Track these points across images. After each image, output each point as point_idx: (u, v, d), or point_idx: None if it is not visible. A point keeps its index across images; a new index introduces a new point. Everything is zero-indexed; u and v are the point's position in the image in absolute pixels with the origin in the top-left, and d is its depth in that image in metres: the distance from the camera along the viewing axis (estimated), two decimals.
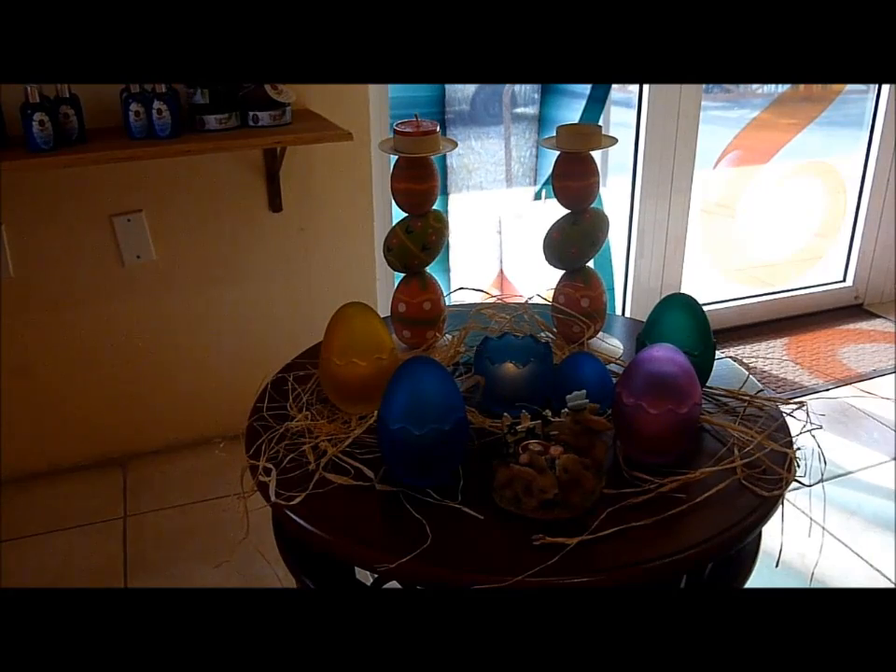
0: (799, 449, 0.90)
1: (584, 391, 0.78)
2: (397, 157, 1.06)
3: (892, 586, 1.38)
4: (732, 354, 2.49)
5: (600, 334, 1.20)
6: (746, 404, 1.00)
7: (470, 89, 2.36)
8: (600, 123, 2.34)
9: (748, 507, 0.81)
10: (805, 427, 0.93)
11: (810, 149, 3.05)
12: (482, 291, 1.30)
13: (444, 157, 2.26)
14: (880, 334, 2.65)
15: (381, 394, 0.83)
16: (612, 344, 1.20)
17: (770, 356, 2.52)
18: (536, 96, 2.33)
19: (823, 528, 1.47)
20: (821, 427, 0.92)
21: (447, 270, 2.40)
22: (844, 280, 2.86)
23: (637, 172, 2.38)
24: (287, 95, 1.71)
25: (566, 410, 0.79)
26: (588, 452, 0.78)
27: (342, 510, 0.80)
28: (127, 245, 1.87)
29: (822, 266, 2.94)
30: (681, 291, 1.38)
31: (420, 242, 1.06)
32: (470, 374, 0.98)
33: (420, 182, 1.05)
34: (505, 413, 0.83)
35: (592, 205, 1.09)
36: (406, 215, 1.08)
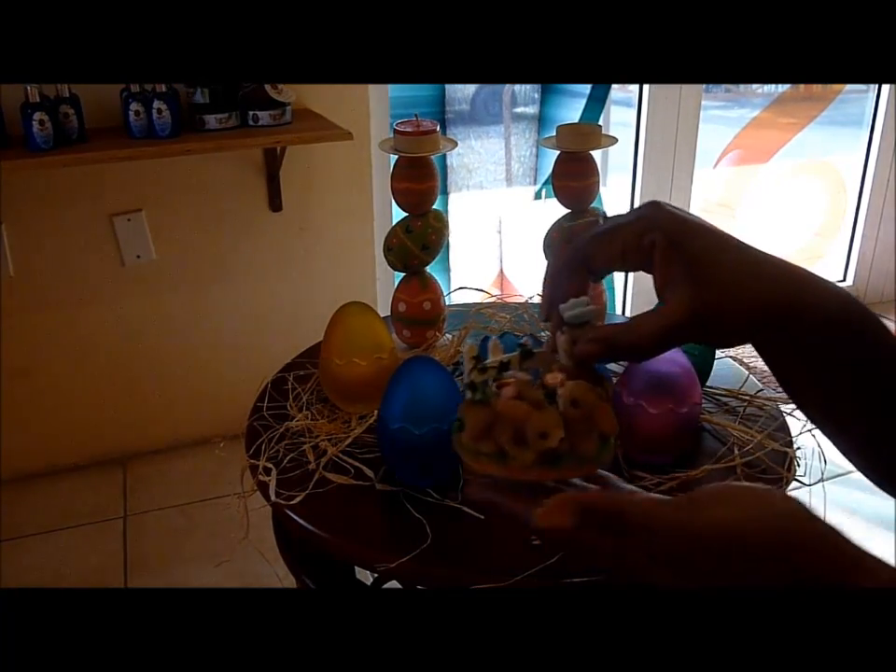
0: (799, 448, 0.90)
1: (586, 298, 0.51)
2: (397, 157, 1.06)
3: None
4: (732, 353, 2.49)
5: None
6: (746, 404, 0.99)
7: (470, 89, 2.37)
8: (600, 123, 2.34)
9: None
10: (805, 426, 0.93)
11: (810, 149, 3.05)
12: (482, 291, 1.30)
13: (444, 156, 2.26)
14: None
15: (381, 394, 0.83)
16: None
17: None
18: (536, 96, 2.33)
19: None
20: None
21: (447, 270, 2.40)
22: (844, 280, 2.86)
23: (637, 172, 2.38)
24: (287, 95, 1.71)
25: (563, 326, 0.52)
26: (597, 386, 0.51)
27: (342, 509, 0.80)
28: (127, 244, 1.87)
29: (822, 266, 2.94)
30: None
31: (420, 242, 1.06)
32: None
33: (420, 182, 1.05)
34: (468, 342, 0.58)
35: (592, 205, 1.09)
36: (406, 214, 1.08)
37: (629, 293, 2.53)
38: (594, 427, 0.48)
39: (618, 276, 2.55)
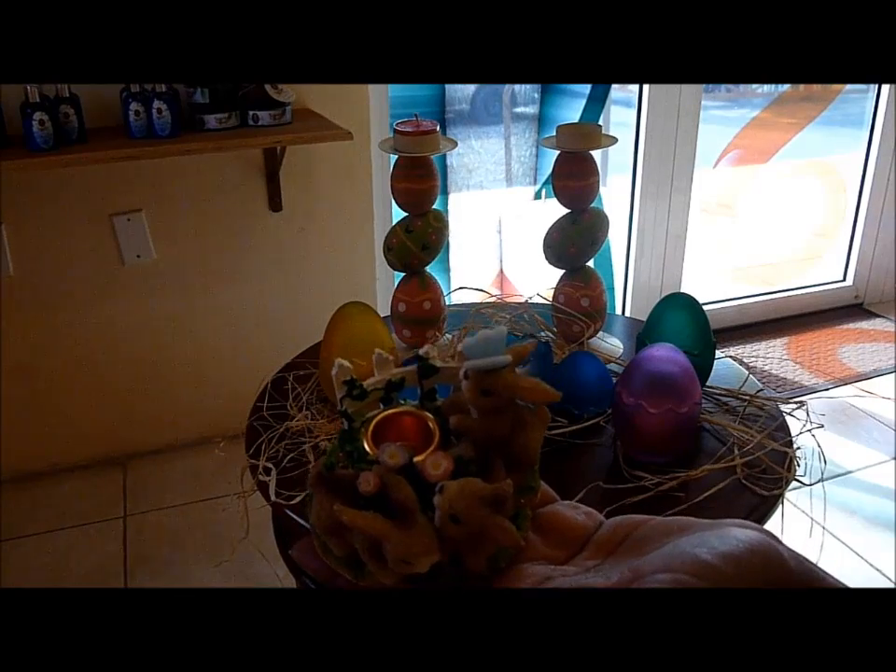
0: (799, 448, 0.90)
1: (504, 329, 0.36)
2: (397, 156, 1.06)
3: (892, 586, 1.38)
4: (732, 353, 2.49)
5: (600, 334, 1.20)
6: (746, 404, 0.99)
7: (470, 88, 2.36)
8: (600, 123, 2.34)
9: (747, 506, 0.81)
10: (805, 426, 0.93)
11: (810, 149, 3.05)
12: (482, 291, 1.30)
13: (444, 156, 2.26)
14: (880, 334, 2.65)
15: None
16: (612, 344, 1.20)
17: (770, 355, 2.52)
18: (536, 96, 2.33)
19: (823, 528, 1.47)
20: (822, 427, 0.92)
21: (447, 270, 2.40)
22: (844, 280, 2.86)
23: (637, 172, 2.38)
24: (287, 95, 1.71)
25: (464, 369, 0.36)
26: (508, 447, 0.37)
27: None
28: (127, 244, 1.87)
29: (822, 266, 2.94)
30: (681, 291, 1.38)
31: (420, 241, 1.06)
32: None
33: (420, 181, 1.05)
34: (339, 362, 0.38)
35: (592, 205, 1.09)
36: (406, 214, 1.08)
37: (629, 293, 2.53)
38: (482, 540, 0.34)
39: (618, 276, 2.55)
